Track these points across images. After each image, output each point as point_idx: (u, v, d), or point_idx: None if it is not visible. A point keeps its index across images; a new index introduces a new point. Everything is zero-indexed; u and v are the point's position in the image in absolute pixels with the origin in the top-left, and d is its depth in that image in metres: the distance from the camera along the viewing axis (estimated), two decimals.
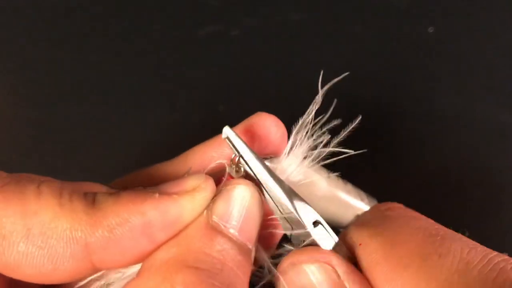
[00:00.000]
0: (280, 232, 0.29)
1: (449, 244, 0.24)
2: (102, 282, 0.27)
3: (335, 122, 0.30)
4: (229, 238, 0.25)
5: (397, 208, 0.28)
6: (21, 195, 0.24)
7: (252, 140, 0.29)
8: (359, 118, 0.30)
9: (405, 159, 0.51)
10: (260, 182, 0.28)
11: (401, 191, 0.47)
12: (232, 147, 0.28)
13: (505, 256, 0.22)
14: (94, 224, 0.24)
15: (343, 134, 0.30)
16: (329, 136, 0.30)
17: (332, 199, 0.33)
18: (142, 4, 0.58)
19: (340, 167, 0.41)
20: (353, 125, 0.30)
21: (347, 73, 0.30)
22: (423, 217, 0.27)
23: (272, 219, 0.29)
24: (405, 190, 0.47)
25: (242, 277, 0.25)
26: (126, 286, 0.23)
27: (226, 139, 0.28)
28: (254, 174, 0.28)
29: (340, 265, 0.26)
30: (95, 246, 0.24)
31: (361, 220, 0.28)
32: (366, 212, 0.30)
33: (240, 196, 0.26)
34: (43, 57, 0.54)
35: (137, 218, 0.24)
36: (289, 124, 0.49)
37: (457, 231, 0.27)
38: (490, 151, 0.51)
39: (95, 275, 0.26)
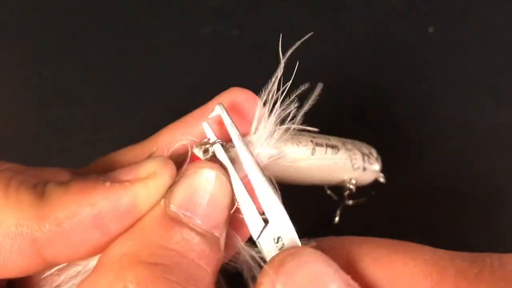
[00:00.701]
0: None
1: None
2: (62, 277, 0.25)
3: (303, 87, 0.28)
4: (190, 228, 0.23)
5: None
6: None
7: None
8: (321, 86, 0.28)
9: (405, 159, 0.51)
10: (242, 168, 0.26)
11: (400, 191, 0.47)
12: (209, 130, 0.26)
13: None
14: (41, 218, 0.22)
15: (307, 105, 0.28)
16: (297, 108, 0.28)
17: (317, 168, 0.32)
18: (142, 4, 0.58)
19: None
20: (316, 93, 0.28)
21: (311, 33, 0.28)
22: None
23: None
24: (404, 191, 0.47)
25: (205, 267, 0.23)
26: (81, 284, 0.22)
27: (208, 121, 0.26)
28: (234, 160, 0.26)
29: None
30: (43, 241, 0.22)
31: None
32: None
33: (203, 181, 0.24)
34: (43, 57, 0.54)
35: (86, 210, 0.22)
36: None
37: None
38: (489, 152, 0.51)
39: (54, 269, 0.25)
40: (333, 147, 0.33)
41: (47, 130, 0.49)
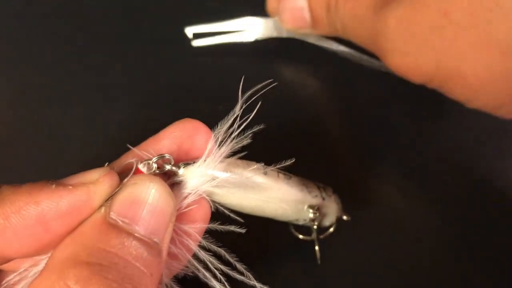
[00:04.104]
0: (201, 226, 0.30)
1: None
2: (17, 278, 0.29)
3: (259, 127, 0.31)
4: (128, 233, 0.26)
5: None
6: None
7: (177, 148, 0.31)
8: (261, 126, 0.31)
9: (404, 159, 0.50)
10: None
11: (400, 191, 0.46)
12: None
13: None
14: None
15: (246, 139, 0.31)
16: (250, 140, 0.31)
17: (272, 196, 0.32)
18: (141, 5, 0.59)
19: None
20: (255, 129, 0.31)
21: (271, 80, 0.31)
22: None
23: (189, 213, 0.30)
24: (404, 190, 0.47)
25: (142, 269, 0.25)
26: (30, 286, 0.25)
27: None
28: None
29: None
30: None
31: None
32: None
33: (141, 191, 0.27)
34: (43, 57, 0.55)
35: (31, 207, 0.26)
36: (290, 122, 0.49)
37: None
38: (490, 151, 0.51)
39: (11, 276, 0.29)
40: (285, 174, 0.33)
41: (46, 130, 0.50)
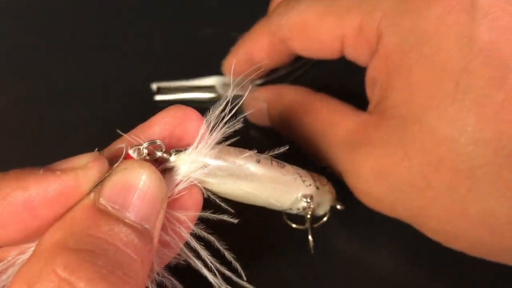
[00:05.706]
0: (194, 214, 0.30)
1: None
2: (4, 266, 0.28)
3: (248, 112, 0.31)
4: (118, 219, 0.26)
5: None
6: None
7: (168, 134, 0.30)
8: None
9: None
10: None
11: None
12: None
13: None
14: None
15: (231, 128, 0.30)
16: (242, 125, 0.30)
17: (265, 185, 0.32)
18: (142, 5, 0.59)
19: None
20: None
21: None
22: None
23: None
24: None
25: (132, 255, 0.25)
26: (16, 273, 0.25)
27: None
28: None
29: None
30: None
31: None
32: None
33: (131, 177, 0.26)
34: (43, 57, 0.55)
35: (18, 193, 0.25)
36: None
37: None
38: None
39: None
40: (278, 162, 0.33)
41: (46, 130, 0.50)
